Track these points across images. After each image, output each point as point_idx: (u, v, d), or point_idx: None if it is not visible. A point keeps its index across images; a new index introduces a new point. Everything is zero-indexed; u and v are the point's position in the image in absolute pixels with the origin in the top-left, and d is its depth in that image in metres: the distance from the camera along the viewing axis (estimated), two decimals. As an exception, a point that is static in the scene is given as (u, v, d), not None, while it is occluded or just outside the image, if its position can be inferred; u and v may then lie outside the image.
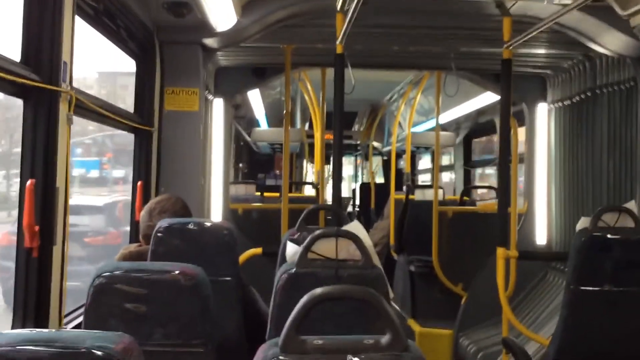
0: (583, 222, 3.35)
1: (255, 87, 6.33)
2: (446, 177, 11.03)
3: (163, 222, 2.86)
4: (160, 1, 3.69)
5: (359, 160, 11.36)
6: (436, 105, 6.52)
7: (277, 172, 13.37)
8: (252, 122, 9.79)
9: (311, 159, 9.39)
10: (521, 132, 5.97)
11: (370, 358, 1.46)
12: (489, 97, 6.68)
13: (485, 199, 8.81)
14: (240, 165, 11.92)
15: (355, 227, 2.76)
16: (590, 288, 2.92)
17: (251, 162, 13.50)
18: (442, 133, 7.62)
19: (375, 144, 11.85)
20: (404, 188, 7.77)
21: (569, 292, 2.95)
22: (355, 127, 12.54)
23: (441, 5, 4.10)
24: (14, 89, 2.43)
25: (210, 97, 5.11)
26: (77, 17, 2.74)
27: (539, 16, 3.85)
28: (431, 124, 8.83)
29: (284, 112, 5.45)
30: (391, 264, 7.08)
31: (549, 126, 5.58)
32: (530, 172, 5.73)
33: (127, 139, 3.97)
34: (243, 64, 5.40)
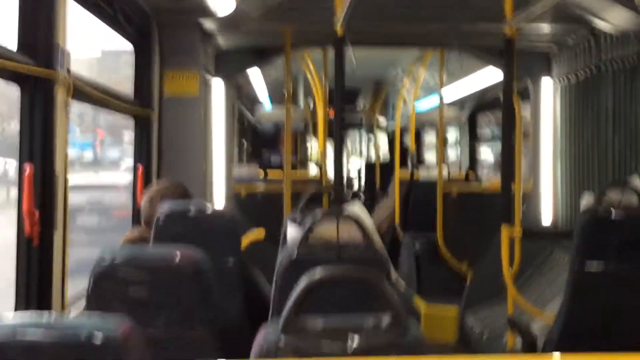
0: (587, 199, 3.33)
1: (255, 68, 6.30)
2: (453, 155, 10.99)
3: (164, 208, 2.85)
4: None
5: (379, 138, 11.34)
6: (440, 82, 6.47)
7: (282, 149, 13.33)
8: (255, 101, 9.74)
9: (316, 134, 9.37)
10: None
11: (370, 338, 1.45)
12: (494, 72, 6.61)
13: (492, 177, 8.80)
14: (245, 143, 11.90)
15: (356, 208, 2.75)
16: (595, 266, 2.90)
17: (255, 139, 13.46)
18: (447, 110, 7.57)
19: (381, 120, 11.80)
20: (409, 166, 7.75)
21: (574, 270, 2.94)
22: (360, 104, 12.47)
23: None
24: (10, 76, 2.42)
25: (210, 79, 5.08)
26: (72, 2, 2.72)
27: None
28: (437, 100, 8.80)
29: (285, 93, 5.42)
30: (397, 242, 7.07)
31: (554, 102, 5.53)
32: (536, 149, 5.69)
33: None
34: (243, 46, 5.36)
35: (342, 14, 3.38)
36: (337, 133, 3.71)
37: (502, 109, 4.06)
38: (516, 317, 3.60)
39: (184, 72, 4.18)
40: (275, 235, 3.70)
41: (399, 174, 7.39)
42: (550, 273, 5.28)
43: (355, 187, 12.79)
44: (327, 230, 2.48)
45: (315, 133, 9.69)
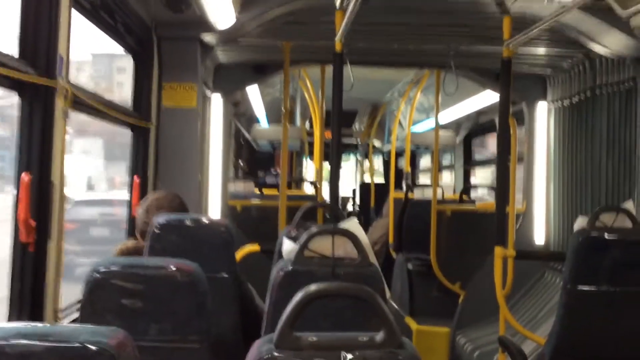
0: (581, 222, 3.34)
1: (254, 84, 6.32)
2: (448, 178, 11.02)
3: (160, 219, 2.86)
4: None
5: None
6: (436, 104, 6.50)
7: (278, 170, 13.36)
8: (252, 120, 9.79)
9: (311, 157, 9.41)
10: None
11: (365, 355, 1.45)
12: (489, 96, 6.67)
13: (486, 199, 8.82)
14: (240, 162, 11.91)
15: (352, 224, 2.75)
16: (587, 288, 2.91)
17: (251, 159, 13.49)
18: (442, 133, 7.61)
19: (376, 143, 11.83)
20: (404, 187, 7.77)
21: (566, 292, 2.95)
22: (356, 126, 12.53)
23: (441, 4, 4.09)
24: (10, 83, 2.42)
25: (209, 93, 5.09)
26: (74, 11, 2.73)
27: (539, 15, 3.83)
28: (432, 123, 8.85)
29: (282, 110, 5.44)
30: (390, 262, 7.07)
31: (548, 126, 5.57)
32: (530, 171, 5.71)
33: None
34: (242, 61, 5.38)
35: (342, 31, 3.41)
36: (333, 152, 3.72)
37: (498, 131, 4.09)
38: (507, 338, 3.59)
39: (183, 84, 4.20)
40: (269, 250, 3.70)
41: (393, 194, 7.41)
42: (542, 294, 5.29)
43: (350, 207, 12.82)
44: (322, 245, 2.48)
45: (310, 154, 9.71)
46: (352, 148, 14.79)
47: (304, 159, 13.28)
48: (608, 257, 2.90)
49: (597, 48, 4.16)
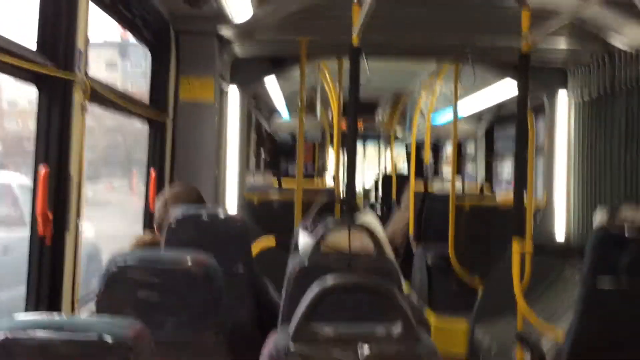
0: (601, 214, 3.31)
1: (272, 77, 6.31)
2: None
3: (177, 213, 2.86)
4: None
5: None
6: (454, 95, 6.44)
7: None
8: (274, 111, 9.77)
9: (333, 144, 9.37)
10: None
11: (382, 347, 1.45)
12: (512, 85, 6.56)
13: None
14: (262, 152, 11.90)
15: (368, 218, 2.74)
16: (606, 284, 2.88)
17: (273, 148, 13.47)
18: (462, 125, 7.53)
19: (399, 132, 11.77)
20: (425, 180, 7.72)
21: (585, 287, 2.92)
22: (379, 114, 12.47)
23: None
24: (29, 77, 2.43)
25: (226, 87, 5.10)
26: (92, 5, 2.74)
27: (558, 9, 3.79)
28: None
29: (299, 105, 5.43)
30: (411, 254, 7.06)
31: (569, 119, 5.51)
32: (550, 165, 5.67)
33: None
34: (260, 55, 5.38)
35: (359, 25, 3.38)
36: (349, 144, 3.70)
37: (516, 124, 4.05)
38: (525, 333, 3.57)
39: (200, 78, 4.21)
40: (286, 243, 3.70)
41: (414, 186, 7.36)
42: (562, 290, 5.25)
43: (372, 198, 12.79)
44: (339, 239, 2.47)
45: (333, 143, 9.68)
46: (374, 137, 14.67)
47: (327, 149, 13.24)
48: (627, 253, 2.86)
49: (617, 42, 4.10)
